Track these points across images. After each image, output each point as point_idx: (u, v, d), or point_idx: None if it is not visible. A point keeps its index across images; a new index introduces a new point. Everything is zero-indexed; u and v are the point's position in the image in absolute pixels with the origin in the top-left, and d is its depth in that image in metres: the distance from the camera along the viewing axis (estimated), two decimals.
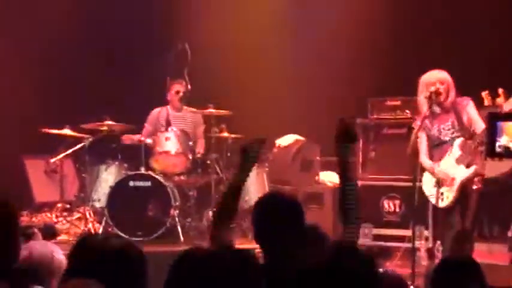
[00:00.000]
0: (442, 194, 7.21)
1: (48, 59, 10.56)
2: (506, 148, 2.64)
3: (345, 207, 3.99)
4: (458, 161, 7.18)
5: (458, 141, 7.21)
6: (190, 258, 2.95)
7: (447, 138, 7.27)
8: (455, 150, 7.21)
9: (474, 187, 7.21)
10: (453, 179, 7.19)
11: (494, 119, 2.61)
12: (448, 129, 7.27)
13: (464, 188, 7.17)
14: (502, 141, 2.62)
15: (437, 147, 7.32)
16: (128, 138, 9.38)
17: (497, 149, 2.65)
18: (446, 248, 7.22)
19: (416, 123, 7.35)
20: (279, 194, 4.17)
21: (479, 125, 7.09)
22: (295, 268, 3.46)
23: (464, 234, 7.22)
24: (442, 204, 7.23)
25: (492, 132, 2.63)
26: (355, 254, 3.08)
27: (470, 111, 7.24)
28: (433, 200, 7.32)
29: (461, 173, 7.17)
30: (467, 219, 7.20)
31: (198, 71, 9.51)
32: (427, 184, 7.35)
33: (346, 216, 3.98)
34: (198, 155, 9.32)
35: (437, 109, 7.29)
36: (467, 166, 7.17)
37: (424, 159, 7.33)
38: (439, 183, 7.15)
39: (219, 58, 10.35)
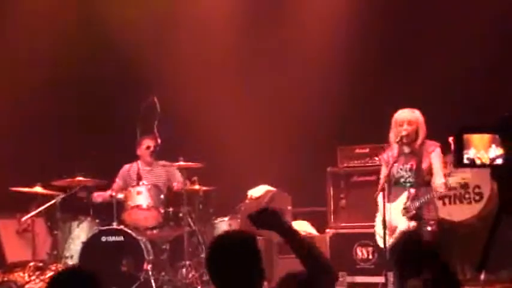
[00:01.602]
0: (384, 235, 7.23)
1: (17, 116, 10.56)
2: (472, 160, 2.75)
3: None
4: (403, 211, 7.24)
5: (408, 192, 7.27)
6: None
7: (402, 180, 7.32)
8: (403, 199, 7.26)
9: (428, 228, 7.22)
10: (395, 227, 7.25)
11: (462, 132, 2.73)
12: (405, 172, 7.32)
13: (410, 233, 7.19)
14: (470, 153, 2.73)
15: (396, 186, 7.36)
16: (99, 196, 9.41)
17: (465, 161, 2.75)
18: None
19: (383, 156, 7.50)
20: (229, 235, 4.04)
21: (438, 178, 7.17)
22: None
23: None
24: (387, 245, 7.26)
25: (460, 144, 2.74)
26: None
27: (434, 159, 7.26)
28: (379, 241, 7.37)
29: (402, 224, 7.22)
30: None
31: (168, 124, 9.57)
32: (378, 225, 7.40)
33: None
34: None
35: (407, 149, 7.37)
36: (411, 219, 7.21)
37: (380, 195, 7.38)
38: (384, 225, 7.16)
39: (188, 110, 10.42)
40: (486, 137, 2.68)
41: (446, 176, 7.13)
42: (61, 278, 3.73)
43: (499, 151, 2.69)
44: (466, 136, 2.68)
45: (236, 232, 4.08)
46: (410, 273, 5.36)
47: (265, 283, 9.22)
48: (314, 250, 3.97)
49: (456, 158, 2.73)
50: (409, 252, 5.42)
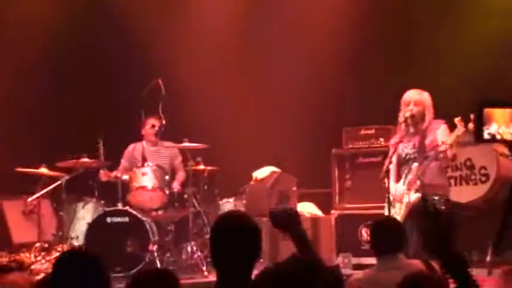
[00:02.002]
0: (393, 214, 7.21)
1: (21, 97, 10.57)
2: (493, 135, 2.71)
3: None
4: (408, 186, 7.23)
5: (410, 167, 7.25)
6: None
7: (408, 158, 7.32)
8: (408, 175, 7.25)
9: (436, 201, 7.21)
10: (401, 203, 7.26)
11: (482, 106, 2.70)
12: (411, 149, 7.31)
13: (416, 210, 7.19)
14: (491, 128, 2.70)
15: (403, 166, 7.36)
16: (105, 175, 9.40)
17: (486, 136, 2.72)
18: None
19: (391, 143, 7.48)
20: (232, 217, 4.00)
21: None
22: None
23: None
24: None
25: (480, 118, 2.71)
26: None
27: (438, 134, 7.20)
28: None
29: (407, 198, 7.21)
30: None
31: (173, 105, 9.56)
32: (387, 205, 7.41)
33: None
34: (176, 189, 9.36)
35: (412, 130, 7.34)
36: (416, 191, 7.20)
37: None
38: (390, 204, 7.14)
39: (193, 91, 10.41)
40: (508, 111, 2.65)
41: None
42: (66, 259, 3.71)
43: None
44: (487, 110, 2.65)
45: (238, 219, 4.00)
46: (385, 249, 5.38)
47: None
48: (319, 263, 3.92)
49: (476, 134, 2.69)
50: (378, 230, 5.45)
